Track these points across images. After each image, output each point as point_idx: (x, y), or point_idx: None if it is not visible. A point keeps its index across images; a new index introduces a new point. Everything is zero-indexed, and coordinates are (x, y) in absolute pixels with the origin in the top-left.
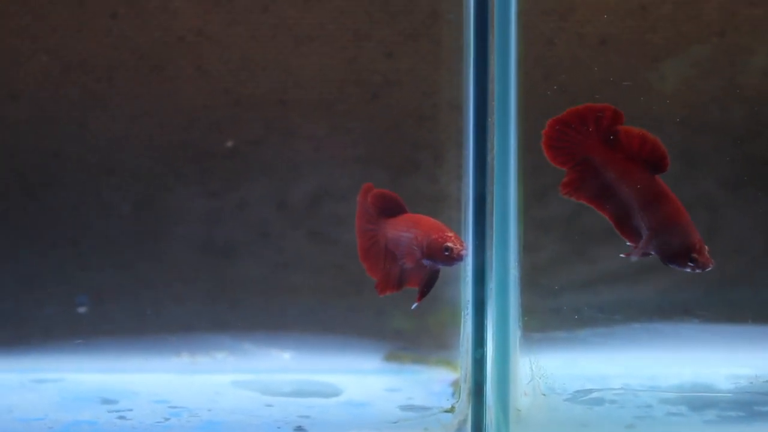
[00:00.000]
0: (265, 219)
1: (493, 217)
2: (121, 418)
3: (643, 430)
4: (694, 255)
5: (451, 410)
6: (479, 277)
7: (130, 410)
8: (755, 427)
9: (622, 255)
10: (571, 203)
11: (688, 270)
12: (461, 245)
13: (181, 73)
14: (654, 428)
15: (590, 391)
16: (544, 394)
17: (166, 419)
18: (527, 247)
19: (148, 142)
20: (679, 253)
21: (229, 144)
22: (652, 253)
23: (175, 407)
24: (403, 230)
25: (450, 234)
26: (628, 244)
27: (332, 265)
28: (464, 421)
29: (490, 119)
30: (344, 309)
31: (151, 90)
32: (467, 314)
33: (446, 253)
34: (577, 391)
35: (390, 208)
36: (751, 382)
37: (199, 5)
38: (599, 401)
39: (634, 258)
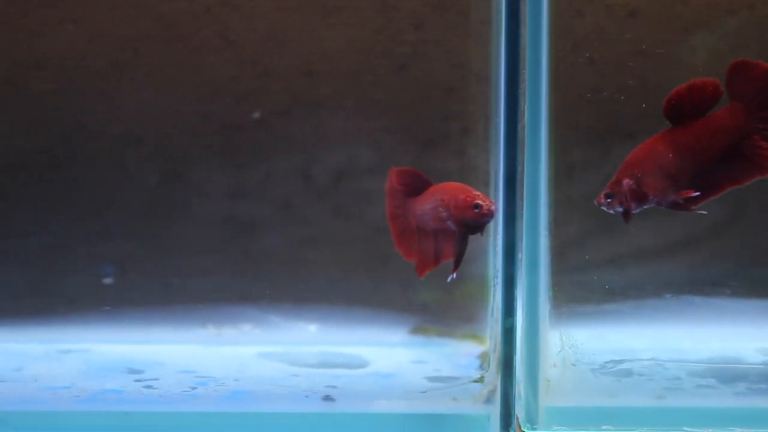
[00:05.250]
0: (291, 191)
1: (524, 189)
2: (148, 387)
3: (673, 402)
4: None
5: (480, 380)
6: (510, 249)
7: (157, 380)
8: None
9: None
10: (598, 178)
11: None
12: (490, 201)
13: (207, 43)
14: (684, 400)
15: (619, 362)
16: (573, 365)
17: (193, 388)
18: (556, 222)
19: (173, 114)
20: None
21: (256, 115)
22: None
23: (202, 377)
24: (429, 202)
25: (477, 193)
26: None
27: (358, 238)
28: (493, 391)
29: (521, 89)
30: (370, 282)
31: (177, 61)
32: (497, 285)
33: (476, 210)
34: (606, 363)
35: (415, 185)
36: None
37: None
38: (628, 373)
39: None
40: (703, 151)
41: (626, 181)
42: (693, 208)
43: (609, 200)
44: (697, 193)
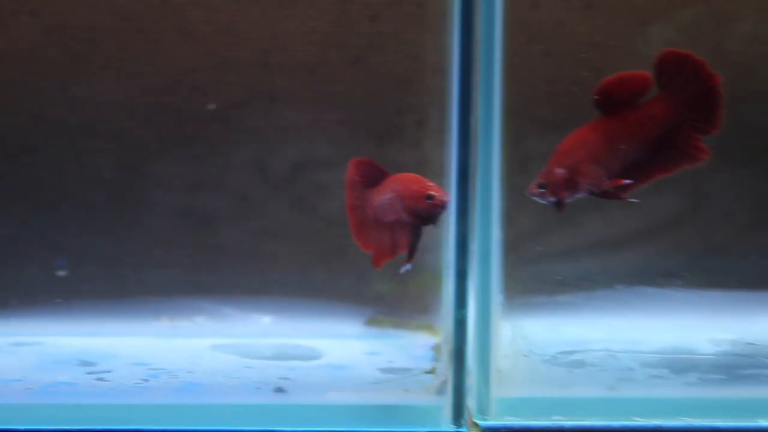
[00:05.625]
0: (247, 184)
1: (477, 181)
2: (100, 379)
3: (625, 392)
4: None
5: (432, 371)
6: (462, 241)
7: (109, 372)
8: (736, 389)
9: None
10: None
11: None
12: (443, 192)
13: (164, 35)
14: (635, 390)
15: (571, 353)
16: (525, 356)
17: (145, 381)
18: (509, 213)
19: (130, 106)
20: None
21: (212, 107)
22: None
23: (155, 369)
24: (385, 193)
25: (431, 184)
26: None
27: (314, 230)
28: (445, 382)
29: (474, 82)
30: (325, 274)
31: (134, 52)
32: (449, 276)
33: (429, 201)
34: (558, 353)
35: (373, 177)
36: (733, 346)
37: None
38: (580, 364)
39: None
40: (634, 140)
41: (558, 171)
42: (624, 196)
43: (542, 190)
44: (629, 182)
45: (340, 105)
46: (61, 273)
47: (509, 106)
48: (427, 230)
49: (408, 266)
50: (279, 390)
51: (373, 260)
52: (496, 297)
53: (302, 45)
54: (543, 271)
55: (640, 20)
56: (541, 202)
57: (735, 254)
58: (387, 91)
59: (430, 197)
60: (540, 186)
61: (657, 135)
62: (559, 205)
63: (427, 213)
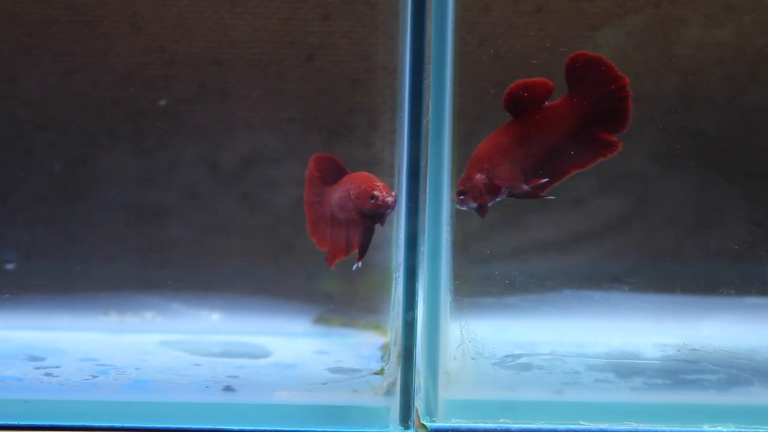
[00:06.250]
0: (196, 180)
1: (427, 181)
2: (48, 375)
3: (571, 396)
4: None
5: (381, 372)
6: (412, 241)
7: (58, 367)
8: (681, 394)
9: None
10: None
11: None
12: (388, 193)
13: (115, 30)
14: (581, 394)
15: (518, 356)
16: (473, 359)
17: (94, 377)
18: (459, 214)
19: (80, 99)
20: None
21: (162, 103)
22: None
23: (103, 365)
24: (339, 191)
25: (378, 183)
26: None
27: (263, 227)
28: (393, 383)
29: (425, 83)
30: (274, 271)
31: (85, 46)
32: (398, 277)
33: (372, 201)
34: (506, 356)
35: (332, 173)
36: (678, 351)
37: None
38: (527, 366)
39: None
40: (545, 139)
41: (478, 176)
42: (542, 195)
43: (462, 197)
44: (546, 180)
45: (291, 103)
46: (9, 266)
47: (460, 107)
48: (378, 229)
49: (358, 264)
50: (228, 389)
51: (327, 258)
52: (445, 298)
53: (254, 42)
54: (491, 272)
55: (589, 25)
56: (463, 209)
57: (680, 259)
58: (338, 90)
59: (374, 197)
60: (460, 193)
61: (568, 133)
62: (481, 210)
63: (372, 212)
